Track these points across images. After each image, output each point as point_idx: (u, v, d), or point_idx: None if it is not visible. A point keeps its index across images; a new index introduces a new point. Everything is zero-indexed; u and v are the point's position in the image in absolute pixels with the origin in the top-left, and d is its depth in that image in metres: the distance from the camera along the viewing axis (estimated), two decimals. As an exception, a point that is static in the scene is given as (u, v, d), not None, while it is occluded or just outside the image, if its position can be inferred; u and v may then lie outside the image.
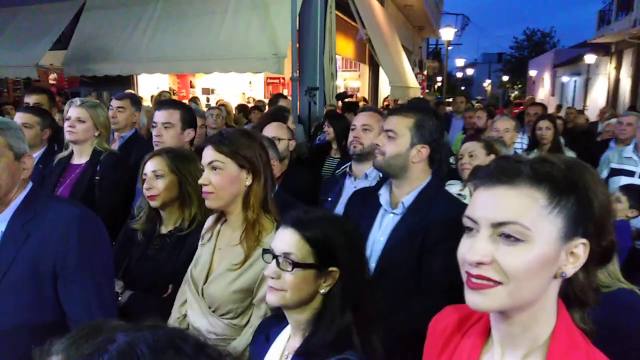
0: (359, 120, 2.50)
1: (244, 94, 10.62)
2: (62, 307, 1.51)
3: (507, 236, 0.81)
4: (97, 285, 1.54)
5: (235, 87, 10.67)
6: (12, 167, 1.49)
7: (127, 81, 8.96)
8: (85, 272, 1.51)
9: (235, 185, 1.57)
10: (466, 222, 0.87)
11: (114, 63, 8.48)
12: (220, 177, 1.55)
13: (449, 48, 20.11)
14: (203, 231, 1.73)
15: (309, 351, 1.21)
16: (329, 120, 3.91)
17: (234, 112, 7.28)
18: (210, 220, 1.73)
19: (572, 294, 0.88)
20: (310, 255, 1.23)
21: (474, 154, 2.68)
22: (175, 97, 8.28)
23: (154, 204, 1.95)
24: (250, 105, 8.07)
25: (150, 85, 9.63)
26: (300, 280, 1.22)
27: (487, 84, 52.05)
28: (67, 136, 2.73)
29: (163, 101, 2.61)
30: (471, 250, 0.83)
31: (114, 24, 8.91)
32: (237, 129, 1.71)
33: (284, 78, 9.22)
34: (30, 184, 1.59)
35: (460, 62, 42.90)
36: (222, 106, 6.16)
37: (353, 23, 10.13)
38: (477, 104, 9.36)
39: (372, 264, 1.74)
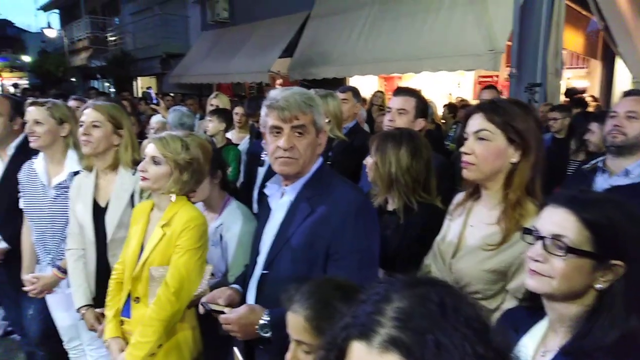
0: (623, 106, 2.13)
1: (450, 94, 10.32)
2: None
3: None
4: (361, 278, 1.37)
5: (441, 88, 10.44)
6: (314, 143, 1.54)
7: (342, 83, 9.59)
8: (354, 263, 1.46)
9: (500, 160, 1.45)
10: None
11: (330, 66, 9.23)
12: (486, 148, 1.45)
13: None
14: (452, 206, 1.68)
15: (580, 351, 1.04)
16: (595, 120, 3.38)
17: (439, 111, 7.14)
18: (460, 196, 1.66)
19: None
20: (588, 242, 1.06)
21: None
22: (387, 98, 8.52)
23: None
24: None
25: (360, 87, 10.14)
26: (573, 268, 1.06)
27: None
28: None
29: (400, 88, 2.66)
30: None
31: (333, 30, 9.68)
32: (511, 99, 1.57)
33: (497, 76, 8.63)
34: (320, 159, 1.62)
35: None
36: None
37: (584, 12, 8.90)
38: None
39: None
